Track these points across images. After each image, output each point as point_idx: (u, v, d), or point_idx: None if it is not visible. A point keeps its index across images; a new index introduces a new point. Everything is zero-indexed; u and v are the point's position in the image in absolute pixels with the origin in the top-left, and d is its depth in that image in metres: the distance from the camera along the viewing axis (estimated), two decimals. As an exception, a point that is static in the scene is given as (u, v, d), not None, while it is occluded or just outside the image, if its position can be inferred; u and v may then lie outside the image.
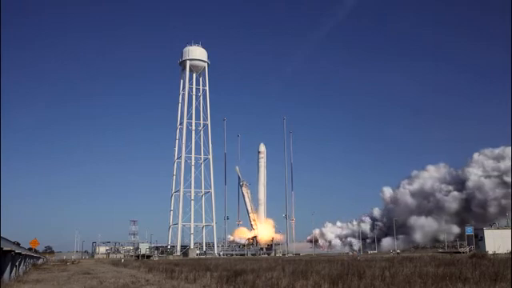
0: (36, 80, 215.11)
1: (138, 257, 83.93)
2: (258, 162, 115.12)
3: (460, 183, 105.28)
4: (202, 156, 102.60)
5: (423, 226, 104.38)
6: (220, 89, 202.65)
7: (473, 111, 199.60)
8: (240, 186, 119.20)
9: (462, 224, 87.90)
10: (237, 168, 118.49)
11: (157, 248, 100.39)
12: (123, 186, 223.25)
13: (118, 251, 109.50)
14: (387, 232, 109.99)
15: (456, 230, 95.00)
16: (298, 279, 14.53)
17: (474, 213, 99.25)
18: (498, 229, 71.56)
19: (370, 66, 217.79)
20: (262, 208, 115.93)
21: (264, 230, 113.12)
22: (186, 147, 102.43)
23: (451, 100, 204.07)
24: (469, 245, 70.29)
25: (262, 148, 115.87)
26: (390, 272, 16.06)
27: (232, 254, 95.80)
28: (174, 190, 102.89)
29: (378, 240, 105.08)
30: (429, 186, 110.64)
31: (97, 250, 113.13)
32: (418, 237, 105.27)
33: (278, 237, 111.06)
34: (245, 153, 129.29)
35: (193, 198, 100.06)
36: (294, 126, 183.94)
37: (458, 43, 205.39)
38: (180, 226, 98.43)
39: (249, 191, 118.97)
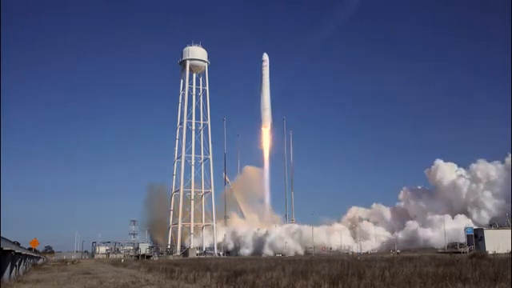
0: (36, 80, 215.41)
1: (137, 257, 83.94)
2: (262, 70, 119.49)
3: None
4: (202, 156, 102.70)
5: None
6: (220, 89, 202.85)
7: (474, 111, 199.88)
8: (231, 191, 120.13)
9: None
10: (225, 176, 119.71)
11: (157, 248, 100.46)
12: (123, 185, 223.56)
13: (118, 251, 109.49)
14: None
15: None
16: (298, 279, 14.53)
17: None
18: (498, 229, 71.56)
19: (370, 66, 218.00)
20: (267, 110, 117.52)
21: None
22: (186, 147, 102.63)
23: (452, 100, 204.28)
24: (469, 245, 70.21)
25: (266, 57, 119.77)
26: (390, 272, 16.06)
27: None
28: (173, 190, 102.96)
29: None
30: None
31: (97, 249, 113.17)
32: None
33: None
34: (245, 153, 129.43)
35: (193, 197, 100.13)
36: (293, 125, 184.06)
37: (458, 43, 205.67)
38: (180, 225, 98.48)
39: (240, 196, 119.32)
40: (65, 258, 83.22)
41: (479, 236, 68.59)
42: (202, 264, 33.40)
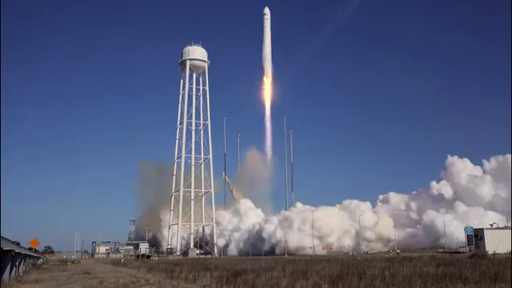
0: (36, 80, 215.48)
1: (137, 257, 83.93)
2: (264, 23, 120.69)
3: None
4: (202, 156, 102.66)
5: None
6: (220, 89, 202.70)
7: (477, 111, 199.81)
8: (230, 191, 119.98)
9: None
10: (225, 176, 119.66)
11: (157, 248, 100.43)
12: (123, 185, 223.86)
13: (117, 251, 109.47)
14: None
15: None
16: (298, 279, 14.53)
17: None
18: (498, 229, 71.44)
19: (371, 66, 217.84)
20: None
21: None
22: (186, 147, 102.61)
23: (454, 100, 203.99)
24: (469, 245, 70.17)
25: (267, 10, 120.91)
26: (390, 272, 16.06)
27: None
28: (173, 190, 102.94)
29: None
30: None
31: (97, 249, 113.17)
32: None
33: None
34: (244, 152, 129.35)
35: (193, 197, 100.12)
36: (294, 125, 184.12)
37: (459, 42, 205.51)
38: (180, 225, 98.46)
39: (240, 194, 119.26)
40: (65, 257, 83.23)
41: (479, 236, 68.52)
42: (202, 264, 33.39)
